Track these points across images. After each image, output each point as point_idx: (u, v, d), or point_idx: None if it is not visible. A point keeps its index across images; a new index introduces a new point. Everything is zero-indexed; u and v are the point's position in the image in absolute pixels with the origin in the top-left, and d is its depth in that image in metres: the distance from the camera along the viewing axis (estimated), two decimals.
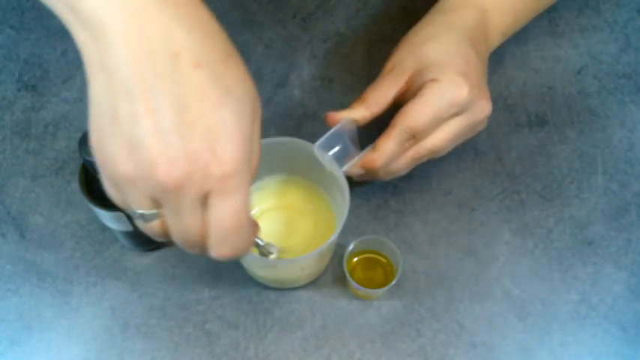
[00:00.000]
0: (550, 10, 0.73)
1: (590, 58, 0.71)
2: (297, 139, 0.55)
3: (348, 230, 0.61)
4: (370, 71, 0.69)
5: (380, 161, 0.54)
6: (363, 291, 0.56)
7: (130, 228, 0.55)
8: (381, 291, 0.57)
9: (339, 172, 0.55)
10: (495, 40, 0.61)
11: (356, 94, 0.68)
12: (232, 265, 0.60)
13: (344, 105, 0.67)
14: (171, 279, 0.60)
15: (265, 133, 0.66)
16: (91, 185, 0.51)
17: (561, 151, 0.66)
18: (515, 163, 0.65)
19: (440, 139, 0.54)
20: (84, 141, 0.46)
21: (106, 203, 0.51)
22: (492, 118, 0.59)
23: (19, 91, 0.68)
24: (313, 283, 0.60)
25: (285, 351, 0.57)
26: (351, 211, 0.53)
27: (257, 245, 0.49)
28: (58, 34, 0.70)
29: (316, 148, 0.55)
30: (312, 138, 0.55)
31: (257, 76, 0.69)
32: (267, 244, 0.50)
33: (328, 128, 0.56)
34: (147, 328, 0.58)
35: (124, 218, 0.53)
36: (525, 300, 0.59)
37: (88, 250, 0.61)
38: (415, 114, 0.52)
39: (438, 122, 0.53)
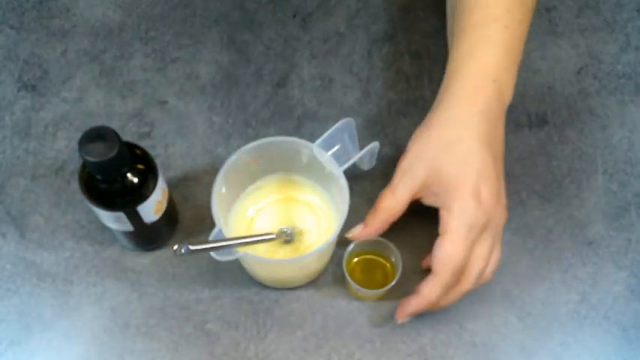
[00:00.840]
0: (550, 10, 0.73)
1: (590, 58, 0.71)
2: (297, 139, 0.55)
3: (348, 230, 0.61)
4: (370, 71, 0.69)
5: (430, 306, 0.54)
6: (362, 292, 0.56)
7: (130, 228, 0.55)
8: (380, 291, 0.57)
9: (338, 172, 0.55)
10: (508, 100, 0.57)
11: (356, 94, 0.68)
12: (232, 265, 0.60)
13: (344, 105, 0.68)
14: (171, 279, 0.60)
15: (265, 133, 0.67)
16: (91, 185, 0.51)
17: (561, 151, 0.66)
18: (515, 163, 0.65)
19: (480, 264, 0.53)
20: (84, 141, 0.46)
21: (106, 203, 0.51)
22: None
23: (19, 91, 0.68)
24: (313, 283, 0.60)
25: (285, 351, 0.57)
26: (351, 211, 0.53)
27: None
28: (58, 34, 0.70)
29: (316, 147, 0.55)
30: (312, 138, 0.55)
31: (257, 76, 0.69)
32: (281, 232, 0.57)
33: (328, 128, 0.56)
34: (147, 328, 0.58)
35: (124, 218, 0.53)
36: (525, 300, 0.59)
37: (88, 250, 0.61)
38: (447, 255, 0.52)
39: (471, 247, 0.52)
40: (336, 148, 0.56)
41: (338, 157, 0.55)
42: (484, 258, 0.53)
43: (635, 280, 0.60)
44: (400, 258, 0.56)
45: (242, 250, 0.52)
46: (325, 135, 0.55)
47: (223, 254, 0.51)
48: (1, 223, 0.62)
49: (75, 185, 0.63)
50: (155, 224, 0.56)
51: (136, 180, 0.51)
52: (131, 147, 0.52)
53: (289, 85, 0.69)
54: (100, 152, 0.46)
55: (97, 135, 0.46)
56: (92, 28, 0.71)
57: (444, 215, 0.53)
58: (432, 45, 0.71)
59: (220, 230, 0.52)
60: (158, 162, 0.54)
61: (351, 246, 0.57)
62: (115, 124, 0.65)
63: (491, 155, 0.53)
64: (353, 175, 0.62)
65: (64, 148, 0.65)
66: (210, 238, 0.51)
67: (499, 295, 0.59)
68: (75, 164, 0.64)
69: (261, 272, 0.58)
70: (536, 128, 0.67)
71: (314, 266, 0.57)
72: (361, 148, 0.57)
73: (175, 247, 0.49)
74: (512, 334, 0.58)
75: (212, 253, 0.51)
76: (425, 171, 0.54)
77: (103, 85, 0.68)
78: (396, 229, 0.62)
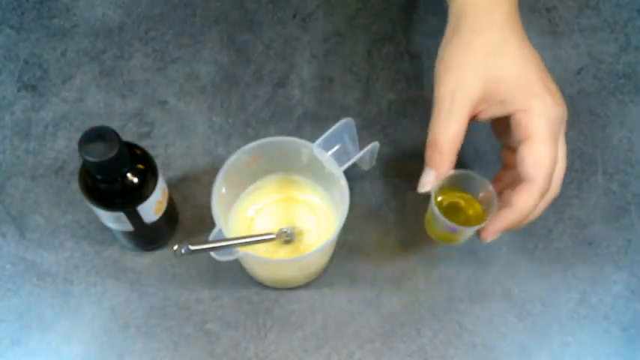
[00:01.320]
0: (550, 10, 0.73)
1: (590, 58, 0.71)
2: (297, 139, 0.55)
3: (348, 230, 0.61)
4: (370, 71, 0.69)
5: (523, 219, 0.50)
6: (458, 230, 0.52)
7: (130, 228, 0.55)
8: (476, 228, 0.52)
9: (338, 172, 0.55)
10: None
11: (356, 94, 0.68)
12: (232, 265, 0.60)
13: (344, 105, 0.68)
14: (171, 279, 0.60)
15: (265, 133, 0.67)
16: (91, 185, 0.51)
17: None
18: None
19: (564, 164, 0.51)
20: (84, 141, 0.46)
21: (106, 203, 0.51)
22: None
23: (19, 91, 0.68)
24: (313, 283, 0.60)
25: (285, 351, 0.57)
26: (351, 210, 0.53)
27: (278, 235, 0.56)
28: (58, 34, 0.70)
29: (316, 147, 0.55)
30: (312, 138, 0.55)
31: (257, 76, 0.69)
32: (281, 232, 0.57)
33: (328, 128, 0.56)
34: (147, 328, 0.58)
35: (124, 218, 0.53)
36: (525, 300, 0.59)
37: (88, 250, 0.61)
38: (543, 158, 0.48)
39: (557, 145, 0.49)
40: (336, 148, 0.56)
41: (338, 157, 0.55)
42: (566, 157, 0.51)
43: (635, 280, 0.60)
44: (493, 189, 0.52)
45: (242, 250, 0.52)
46: (325, 135, 0.55)
47: (223, 254, 0.51)
48: (1, 223, 0.62)
49: (75, 185, 0.63)
50: (155, 224, 0.56)
51: (136, 180, 0.51)
52: (131, 147, 0.52)
53: (289, 85, 0.69)
54: (100, 152, 0.46)
55: (97, 135, 0.46)
56: (92, 28, 0.71)
57: (522, 119, 0.49)
58: (431, 45, 0.71)
59: (220, 230, 0.52)
60: (158, 162, 0.54)
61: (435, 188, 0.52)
62: (115, 124, 0.65)
63: (528, 45, 0.51)
64: (353, 175, 0.62)
65: (64, 148, 0.65)
66: (210, 238, 0.51)
67: (499, 295, 0.59)
68: (75, 164, 0.64)
69: (261, 272, 0.58)
70: None
71: (314, 266, 0.57)
72: (361, 148, 0.57)
73: (175, 247, 0.49)
74: (512, 334, 0.58)
75: (212, 253, 0.51)
76: (481, 81, 0.50)
77: (103, 85, 0.68)
78: (396, 229, 0.62)
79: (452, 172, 0.51)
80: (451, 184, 0.54)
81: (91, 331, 0.58)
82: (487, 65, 0.50)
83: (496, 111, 0.50)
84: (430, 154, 0.51)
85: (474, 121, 0.52)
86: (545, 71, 0.51)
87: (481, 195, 0.54)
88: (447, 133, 0.50)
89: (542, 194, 0.49)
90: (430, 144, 0.51)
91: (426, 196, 0.52)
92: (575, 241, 0.62)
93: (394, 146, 0.66)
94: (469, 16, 0.52)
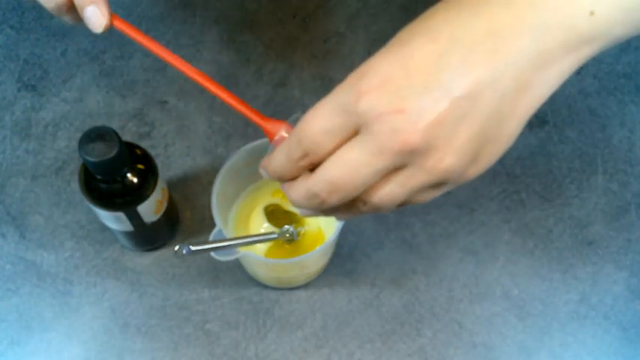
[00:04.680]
0: None
1: (590, 58, 0.71)
2: None
3: (348, 230, 0.61)
4: None
5: (268, 166, 0.40)
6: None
7: (130, 228, 0.55)
8: None
9: None
10: None
11: None
12: (232, 265, 0.60)
13: None
14: (171, 279, 0.60)
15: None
16: (91, 185, 0.51)
17: (561, 151, 0.66)
18: (515, 163, 0.65)
19: (342, 170, 0.34)
20: (84, 141, 0.46)
21: (106, 203, 0.51)
22: None
23: (19, 91, 0.68)
24: (313, 283, 0.60)
25: (285, 351, 0.57)
26: None
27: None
28: (58, 34, 0.70)
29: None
30: None
31: (257, 76, 0.69)
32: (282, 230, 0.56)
33: None
34: (147, 328, 0.58)
35: (124, 218, 0.53)
36: (525, 300, 0.59)
37: (88, 250, 0.61)
38: (305, 120, 0.36)
39: (334, 139, 0.35)
40: None
41: None
42: (348, 166, 0.37)
43: (635, 280, 0.60)
44: None
45: (242, 250, 0.52)
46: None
47: (224, 254, 0.51)
48: (1, 223, 0.62)
49: (75, 185, 0.63)
50: (155, 224, 0.56)
51: (136, 180, 0.51)
52: (131, 147, 0.52)
53: (289, 85, 0.69)
54: (100, 152, 0.46)
55: (97, 135, 0.46)
56: None
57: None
58: None
59: (220, 230, 0.51)
60: (158, 162, 0.54)
61: None
62: (115, 124, 0.65)
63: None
64: None
65: (64, 148, 0.65)
66: (211, 238, 0.51)
67: (499, 295, 0.59)
68: (75, 164, 0.64)
69: (261, 272, 0.58)
70: (536, 128, 0.67)
71: (314, 266, 0.57)
72: None
73: (176, 247, 0.49)
74: (512, 334, 0.58)
75: (212, 254, 0.51)
76: None
77: (103, 85, 0.68)
78: (396, 229, 0.62)
79: None
80: None
81: (91, 331, 0.58)
82: None
83: None
84: None
85: None
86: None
87: None
88: None
89: (289, 152, 0.37)
90: None
91: None
92: (575, 241, 0.62)
93: None
94: None
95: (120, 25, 0.43)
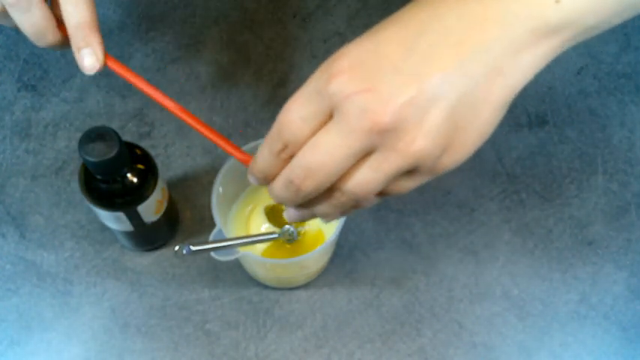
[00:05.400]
0: None
1: (590, 58, 0.71)
2: None
3: (348, 230, 0.61)
4: None
5: (253, 168, 0.39)
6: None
7: (130, 228, 0.55)
8: None
9: None
10: None
11: None
12: (232, 265, 0.60)
13: None
14: (171, 279, 0.60)
15: (265, 133, 0.66)
16: (91, 185, 0.51)
17: (561, 151, 0.66)
18: (515, 163, 0.65)
19: (316, 154, 0.34)
20: (84, 141, 0.46)
21: (106, 203, 0.51)
22: None
23: (19, 91, 0.68)
24: (313, 283, 0.60)
25: (285, 351, 0.57)
26: None
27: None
28: None
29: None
30: None
31: (257, 76, 0.69)
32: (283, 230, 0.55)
33: None
34: (147, 328, 0.58)
35: (124, 218, 0.53)
36: (525, 300, 0.59)
37: (88, 250, 0.61)
38: (283, 110, 0.36)
39: (310, 125, 0.35)
40: None
41: None
42: (324, 153, 0.38)
43: (635, 280, 0.60)
44: None
45: (242, 250, 0.52)
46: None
47: (224, 254, 0.51)
48: (1, 223, 0.62)
49: (75, 185, 0.63)
50: (155, 224, 0.56)
51: (135, 180, 0.51)
52: (131, 147, 0.52)
53: (289, 85, 0.69)
54: (100, 152, 0.46)
55: (97, 135, 0.46)
56: None
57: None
58: None
59: (220, 230, 0.51)
60: (158, 162, 0.54)
61: None
62: (115, 124, 0.65)
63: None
64: None
65: (64, 148, 0.65)
66: (211, 238, 0.51)
67: (499, 295, 0.59)
68: (75, 164, 0.64)
69: (261, 272, 0.58)
70: (536, 128, 0.67)
71: (314, 266, 0.57)
72: None
73: (177, 247, 0.49)
74: (512, 334, 0.58)
75: (212, 254, 0.51)
76: None
77: (103, 85, 0.68)
78: (396, 229, 0.61)
79: None
80: None
81: (91, 331, 0.58)
82: None
83: None
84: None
85: None
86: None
87: None
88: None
89: (271, 145, 0.37)
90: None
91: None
92: (575, 241, 0.62)
93: None
94: None
95: (112, 65, 0.44)
